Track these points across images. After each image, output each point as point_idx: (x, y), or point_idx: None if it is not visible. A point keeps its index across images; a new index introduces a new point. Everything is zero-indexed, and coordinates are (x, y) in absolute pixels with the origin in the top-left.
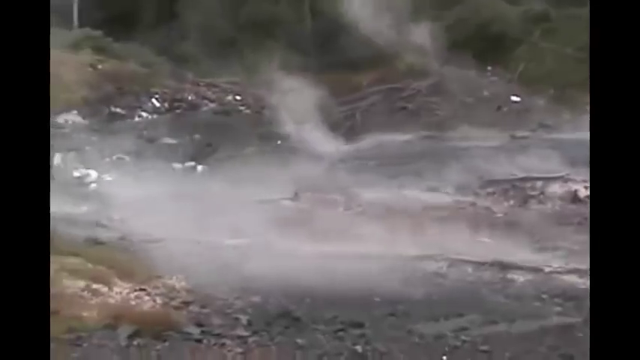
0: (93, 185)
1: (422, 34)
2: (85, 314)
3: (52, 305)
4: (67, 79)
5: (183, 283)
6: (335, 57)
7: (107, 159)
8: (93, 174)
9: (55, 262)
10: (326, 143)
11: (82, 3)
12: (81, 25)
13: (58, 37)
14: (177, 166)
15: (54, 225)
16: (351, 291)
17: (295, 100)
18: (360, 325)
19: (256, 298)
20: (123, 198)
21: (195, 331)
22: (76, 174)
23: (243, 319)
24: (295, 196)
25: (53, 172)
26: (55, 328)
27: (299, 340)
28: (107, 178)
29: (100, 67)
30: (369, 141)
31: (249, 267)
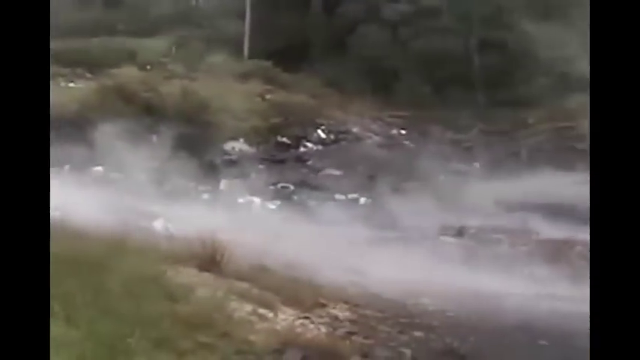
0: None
1: None
2: (252, 338)
3: (223, 328)
4: (236, 107)
5: (347, 314)
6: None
7: (271, 187)
8: (257, 201)
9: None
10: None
11: (252, 35)
12: (251, 56)
13: (229, 66)
14: (340, 197)
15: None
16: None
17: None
18: None
19: (419, 334)
20: (286, 227)
21: None
22: (240, 200)
23: (408, 352)
24: (459, 233)
25: (218, 196)
26: (226, 349)
27: None
28: (270, 206)
29: (268, 97)
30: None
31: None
